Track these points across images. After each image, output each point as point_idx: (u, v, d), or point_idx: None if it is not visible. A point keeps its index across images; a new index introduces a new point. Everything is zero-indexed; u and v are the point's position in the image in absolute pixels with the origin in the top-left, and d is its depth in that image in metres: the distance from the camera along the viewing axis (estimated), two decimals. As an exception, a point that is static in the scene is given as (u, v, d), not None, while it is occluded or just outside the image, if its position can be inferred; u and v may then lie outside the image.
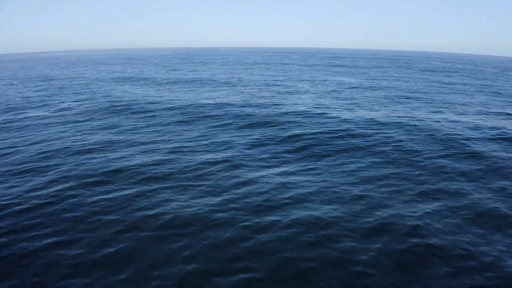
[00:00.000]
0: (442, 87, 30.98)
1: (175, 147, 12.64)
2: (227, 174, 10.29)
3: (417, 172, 10.56)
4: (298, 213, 7.99)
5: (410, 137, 14.10)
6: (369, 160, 11.54)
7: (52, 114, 18.21)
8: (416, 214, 8.03)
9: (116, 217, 7.85)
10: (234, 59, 77.76)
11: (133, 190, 9.14)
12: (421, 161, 11.48)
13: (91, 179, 9.84)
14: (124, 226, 7.47)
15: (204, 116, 17.57)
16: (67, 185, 9.54)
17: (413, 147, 12.82)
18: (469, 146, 12.99)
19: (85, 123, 16.33)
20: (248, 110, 19.02)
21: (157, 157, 11.62)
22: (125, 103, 20.63)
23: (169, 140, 13.57)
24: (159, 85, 29.72)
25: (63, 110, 19.20)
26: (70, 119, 17.14)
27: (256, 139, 13.77)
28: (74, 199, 8.71)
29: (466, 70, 56.74)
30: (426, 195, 9.13)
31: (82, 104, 20.18)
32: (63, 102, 21.87)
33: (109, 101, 21.09)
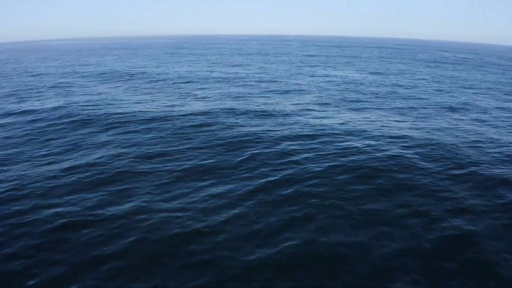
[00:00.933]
0: (453, 83, 28.79)
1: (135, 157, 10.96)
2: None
3: (440, 195, 8.88)
4: (286, 251, 6.36)
5: (427, 143, 12.41)
6: (381, 177, 9.83)
7: (19, 119, 16.10)
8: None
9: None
10: (231, 48, 75.44)
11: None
12: (438, 175, 9.81)
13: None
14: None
15: (176, 118, 15.69)
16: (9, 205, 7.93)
17: (436, 157, 11.16)
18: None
19: (49, 132, 13.91)
20: (239, 114, 17.30)
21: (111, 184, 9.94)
22: (101, 107, 17.96)
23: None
24: (146, 82, 27.60)
25: (32, 114, 17.04)
26: (34, 125, 15.05)
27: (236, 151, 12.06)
28: (21, 230, 7.07)
29: (471, 61, 54.69)
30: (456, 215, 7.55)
31: (55, 109, 17.49)
32: (37, 101, 19.99)
33: (82, 105, 18.18)
